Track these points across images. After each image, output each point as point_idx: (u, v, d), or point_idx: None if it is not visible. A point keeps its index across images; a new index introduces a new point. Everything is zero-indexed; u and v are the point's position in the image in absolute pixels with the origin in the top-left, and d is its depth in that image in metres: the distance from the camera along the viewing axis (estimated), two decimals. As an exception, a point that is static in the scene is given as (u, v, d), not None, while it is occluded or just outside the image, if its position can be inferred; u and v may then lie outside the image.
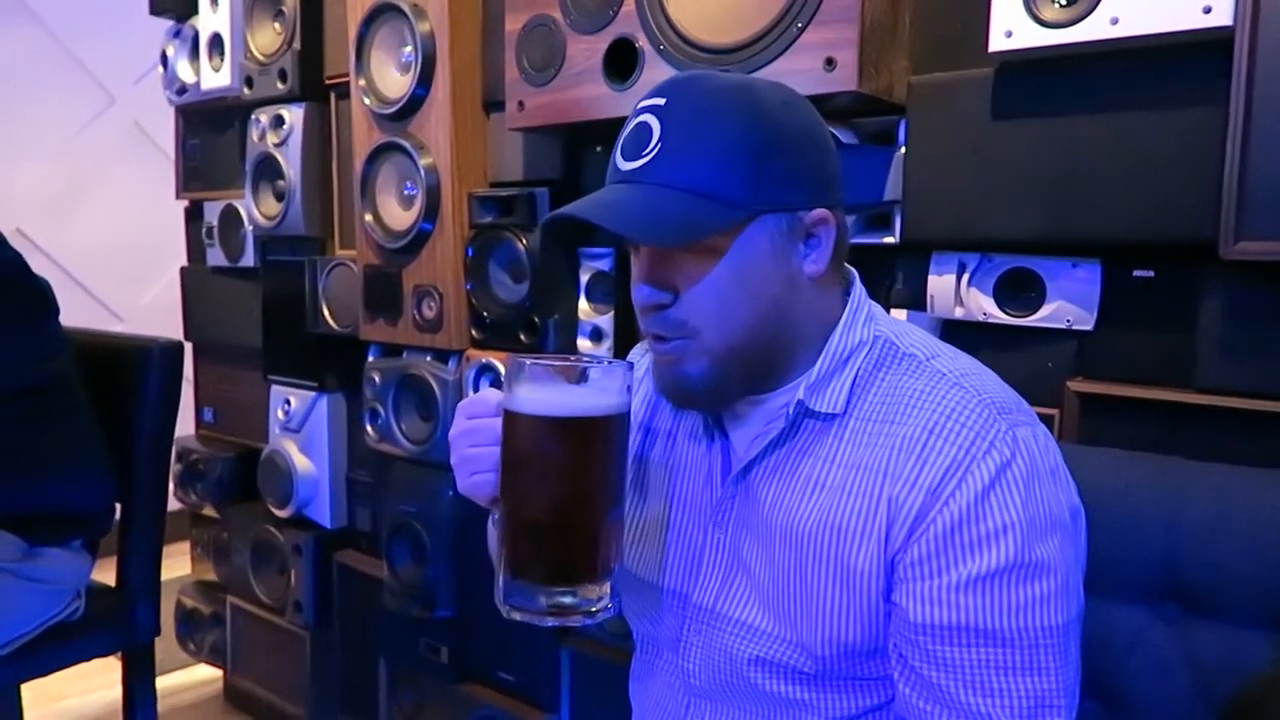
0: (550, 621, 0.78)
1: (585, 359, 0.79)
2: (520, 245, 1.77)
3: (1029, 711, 0.74)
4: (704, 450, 0.91)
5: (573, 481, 0.77)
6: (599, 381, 0.77)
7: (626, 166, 0.80)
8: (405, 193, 1.95)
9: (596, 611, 0.78)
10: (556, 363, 0.78)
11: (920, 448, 0.77)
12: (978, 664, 0.75)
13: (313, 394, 2.26)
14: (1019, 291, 1.29)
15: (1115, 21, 1.09)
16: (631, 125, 0.81)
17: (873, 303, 0.89)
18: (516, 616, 0.77)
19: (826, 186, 0.82)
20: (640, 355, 1.06)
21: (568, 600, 0.77)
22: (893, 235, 1.36)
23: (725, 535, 0.88)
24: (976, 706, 0.75)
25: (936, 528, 0.76)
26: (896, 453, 0.78)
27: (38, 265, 1.66)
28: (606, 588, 0.78)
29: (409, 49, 1.88)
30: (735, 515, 0.87)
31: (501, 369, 1.81)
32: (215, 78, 2.35)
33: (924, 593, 0.76)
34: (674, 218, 0.76)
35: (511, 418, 0.77)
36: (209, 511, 2.59)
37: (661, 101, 0.79)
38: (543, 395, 0.76)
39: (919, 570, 0.77)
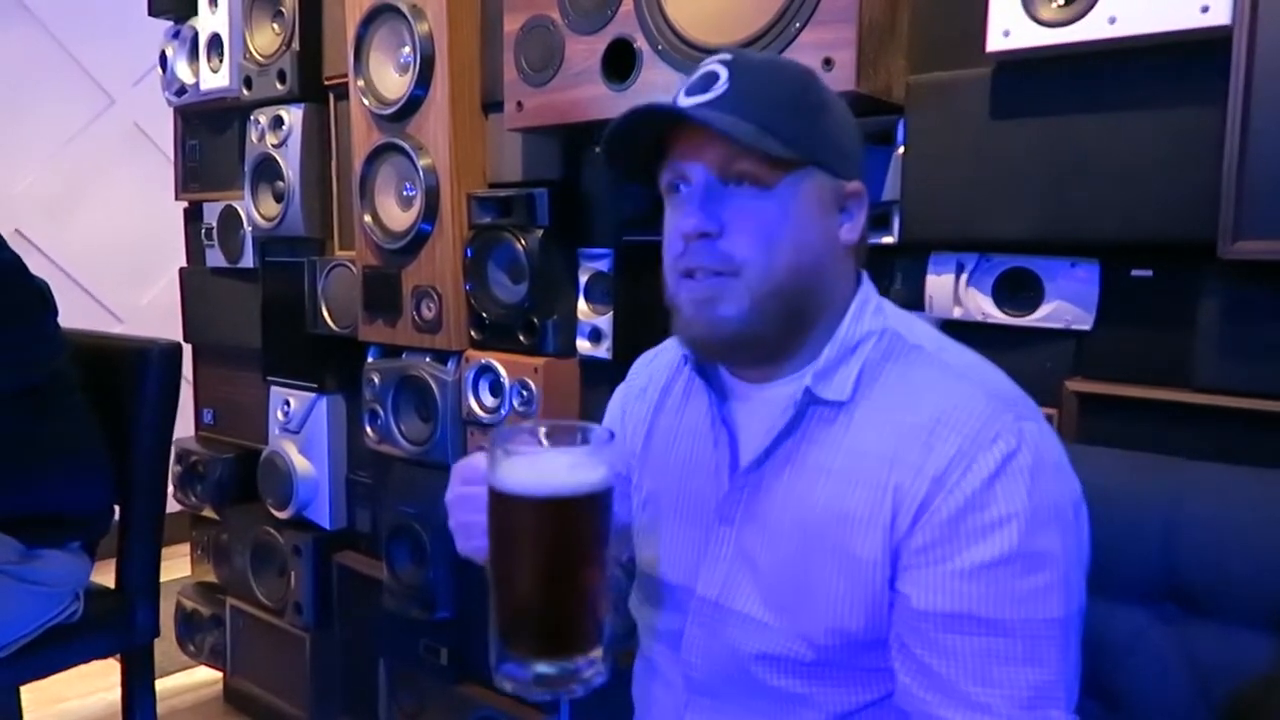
0: (539, 694, 0.77)
1: (569, 426, 0.77)
2: (519, 246, 1.77)
3: (1028, 703, 0.75)
4: (710, 447, 0.92)
5: (555, 559, 0.75)
6: (581, 456, 0.75)
7: (690, 101, 0.82)
8: (404, 193, 1.95)
9: (589, 678, 0.76)
10: (538, 435, 0.77)
11: (927, 435, 0.78)
12: (978, 653, 0.75)
13: (312, 395, 2.26)
14: (1017, 291, 1.29)
15: (1113, 21, 1.09)
16: (697, 75, 0.85)
17: (881, 296, 0.91)
18: (507, 687, 0.75)
19: (860, 166, 0.88)
20: (650, 359, 1.07)
21: (554, 672, 0.75)
22: (891, 235, 1.36)
23: (732, 529, 0.88)
24: (976, 696, 0.75)
25: (941, 515, 0.77)
26: (903, 440, 0.79)
27: (37, 266, 1.66)
28: (598, 652, 0.77)
29: (407, 50, 1.88)
30: (743, 509, 0.88)
31: (501, 370, 1.81)
32: (214, 78, 2.35)
33: (928, 580, 0.77)
34: (745, 130, 0.79)
35: (494, 495, 0.76)
36: (208, 513, 2.58)
37: (728, 57, 0.85)
38: (523, 474, 0.74)
39: (923, 557, 0.77)
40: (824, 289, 0.85)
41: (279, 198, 2.24)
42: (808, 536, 0.83)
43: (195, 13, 2.41)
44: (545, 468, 0.75)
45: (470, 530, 0.83)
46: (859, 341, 0.85)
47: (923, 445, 0.78)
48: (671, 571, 0.93)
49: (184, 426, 2.13)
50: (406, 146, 1.88)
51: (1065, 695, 0.76)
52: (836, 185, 0.84)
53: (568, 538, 0.75)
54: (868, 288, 0.90)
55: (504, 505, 0.75)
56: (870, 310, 0.87)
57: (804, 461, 0.85)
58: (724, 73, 0.82)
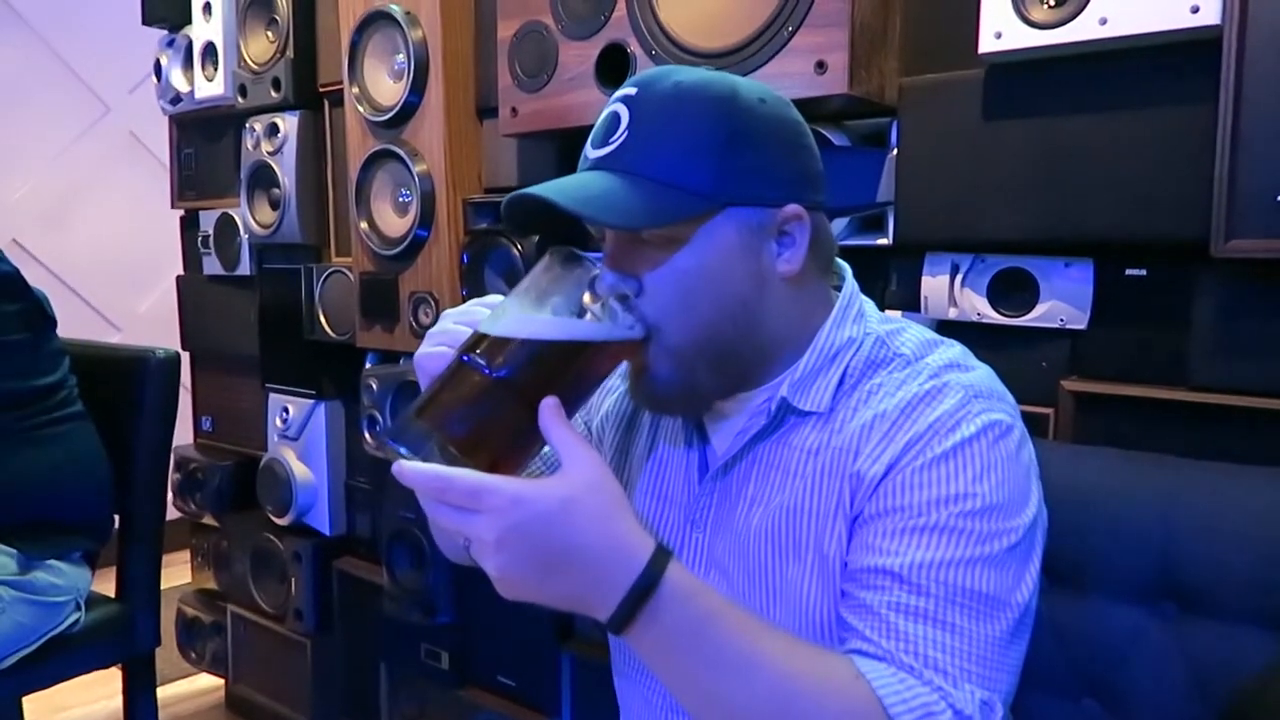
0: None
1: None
2: (515, 251, 1.77)
3: (932, 664, 0.70)
4: (683, 447, 0.90)
5: (545, 376, 0.72)
6: (615, 313, 0.76)
7: (594, 154, 0.79)
8: (400, 199, 1.95)
9: None
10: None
11: (889, 425, 0.77)
12: (886, 605, 0.72)
13: (310, 402, 2.26)
14: (1012, 291, 1.30)
15: (1104, 22, 1.10)
16: (603, 114, 0.80)
17: (866, 299, 0.88)
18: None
19: (802, 185, 0.81)
20: None
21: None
22: (886, 237, 1.36)
23: (704, 535, 0.87)
24: (879, 648, 0.71)
25: (887, 487, 0.75)
26: (867, 430, 0.78)
27: (35, 275, 1.67)
28: None
29: (402, 56, 1.88)
30: (713, 514, 0.86)
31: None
32: (209, 86, 2.35)
33: (858, 543, 0.76)
34: (635, 203, 0.75)
35: (491, 338, 0.74)
36: (208, 520, 2.58)
37: (633, 91, 0.79)
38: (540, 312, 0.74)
39: (861, 529, 0.76)
40: (762, 329, 0.81)
41: (275, 205, 2.25)
42: (777, 539, 0.81)
43: (189, 21, 2.41)
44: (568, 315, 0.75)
45: (450, 336, 0.80)
46: (839, 349, 0.82)
47: (884, 435, 0.77)
48: None
49: (183, 434, 2.13)
50: (402, 153, 1.88)
51: (979, 681, 0.70)
52: (766, 216, 0.78)
53: (565, 369, 0.74)
54: (849, 293, 0.86)
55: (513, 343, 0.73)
56: (852, 316, 0.84)
57: (774, 466, 0.82)
58: (626, 115, 0.78)
